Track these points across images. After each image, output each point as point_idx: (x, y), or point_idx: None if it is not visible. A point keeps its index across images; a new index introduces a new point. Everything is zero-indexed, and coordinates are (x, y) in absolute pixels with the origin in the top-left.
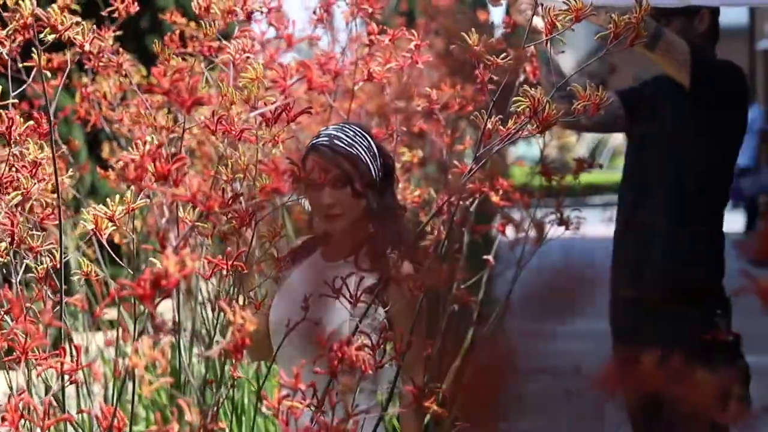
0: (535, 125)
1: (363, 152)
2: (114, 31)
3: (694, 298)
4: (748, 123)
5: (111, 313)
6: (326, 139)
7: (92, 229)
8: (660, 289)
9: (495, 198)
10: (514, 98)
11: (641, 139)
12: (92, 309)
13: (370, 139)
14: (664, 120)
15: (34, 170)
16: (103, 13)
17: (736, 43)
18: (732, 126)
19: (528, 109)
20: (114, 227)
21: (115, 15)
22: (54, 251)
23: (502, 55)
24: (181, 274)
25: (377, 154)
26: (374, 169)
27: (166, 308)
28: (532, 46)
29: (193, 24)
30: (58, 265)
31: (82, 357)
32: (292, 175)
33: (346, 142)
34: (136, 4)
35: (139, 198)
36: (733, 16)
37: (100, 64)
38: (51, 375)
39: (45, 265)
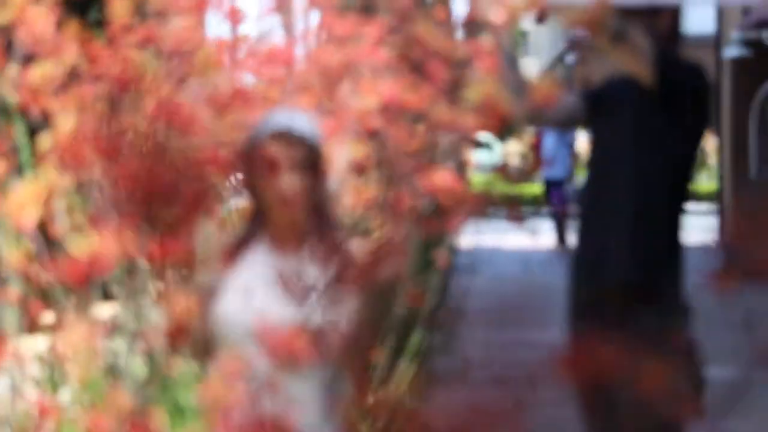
0: (487, 117)
1: (319, 138)
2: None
3: (653, 301)
4: (563, 136)
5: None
6: (286, 124)
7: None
8: (619, 291)
9: (447, 198)
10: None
11: (603, 138)
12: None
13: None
14: (626, 119)
15: None
16: None
17: (702, 51)
18: (693, 125)
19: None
20: (37, 210)
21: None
22: None
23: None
24: (114, 256)
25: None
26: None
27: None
28: (492, 42)
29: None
30: None
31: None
32: (253, 161)
33: (307, 128)
34: None
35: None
36: (700, 24)
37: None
38: None
39: None
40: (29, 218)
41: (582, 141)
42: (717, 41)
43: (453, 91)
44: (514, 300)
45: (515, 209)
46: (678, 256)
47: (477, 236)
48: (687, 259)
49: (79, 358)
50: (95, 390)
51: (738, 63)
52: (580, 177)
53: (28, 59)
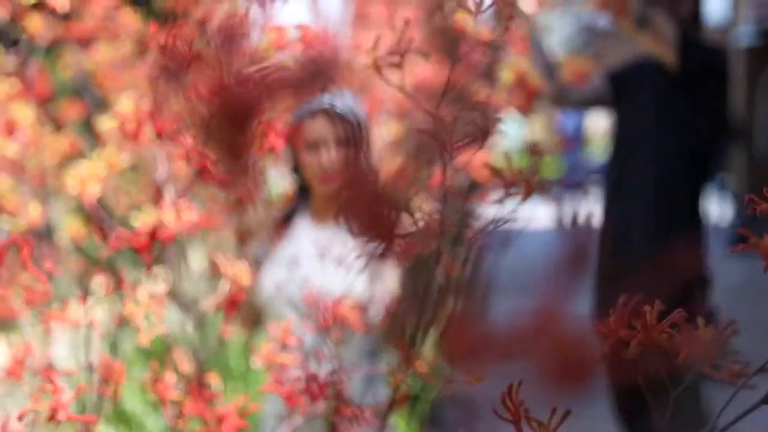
0: (522, 98)
1: (362, 116)
2: None
3: (674, 273)
4: (580, 117)
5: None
6: (329, 102)
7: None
8: (642, 264)
9: (480, 174)
10: (500, 70)
11: (625, 119)
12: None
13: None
14: (648, 100)
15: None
16: None
17: (715, 37)
18: (715, 107)
19: (512, 80)
20: (98, 186)
21: None
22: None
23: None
24: (178, 226)
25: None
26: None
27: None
28: (522, 28)
29: None
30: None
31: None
32: (297, 137)
33: (350, 105)
34: None
35: (127, 158)
36: (713, 10)
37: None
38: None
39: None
40: (90, 194)
41: (591, 122)
42: (729, 28)
43: (486, 72)
44: (536, 274)
45: (543, 185)
46: (699, 234)
47: (506, 213)
48: (706, 236)
49: (139, 324)
50: (155, 355)
51: (748, 49)
52: (592, 155)
53: (88, 41)
